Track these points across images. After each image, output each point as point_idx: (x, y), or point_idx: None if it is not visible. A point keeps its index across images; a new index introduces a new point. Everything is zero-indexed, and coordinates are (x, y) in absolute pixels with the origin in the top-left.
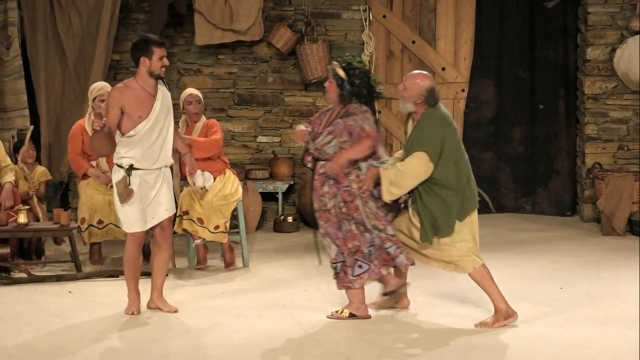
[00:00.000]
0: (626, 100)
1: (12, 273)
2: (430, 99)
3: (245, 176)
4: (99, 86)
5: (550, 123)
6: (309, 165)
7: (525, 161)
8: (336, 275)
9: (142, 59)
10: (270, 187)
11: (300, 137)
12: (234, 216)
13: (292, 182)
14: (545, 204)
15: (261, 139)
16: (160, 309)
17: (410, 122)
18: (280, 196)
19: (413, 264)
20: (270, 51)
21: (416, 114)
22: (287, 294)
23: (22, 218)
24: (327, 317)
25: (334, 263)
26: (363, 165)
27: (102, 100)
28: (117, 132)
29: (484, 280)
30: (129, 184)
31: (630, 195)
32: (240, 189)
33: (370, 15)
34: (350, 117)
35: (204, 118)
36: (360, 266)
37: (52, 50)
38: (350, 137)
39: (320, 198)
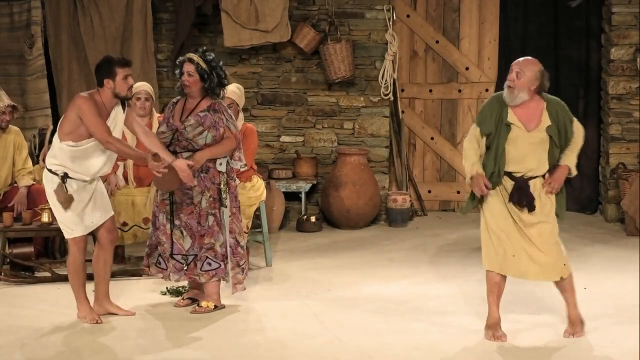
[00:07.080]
0: None
1: (35, 272)
2: (546, 81)
3: (268, 176)
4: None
5: None
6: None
7: None
8: (187, 266)
9: (105, 81)
10: (293, 186)
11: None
12: (257, 216)
13: (315, 182)
14: (568, 203)
15: (284, 138)
16: (114, 313)
17: (510, 114)
18: (303, 196)
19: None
20: (293, 51)
21: (525, 105)
22: (310, 293)
23: (45, 217)
24: (191, 312)
25: (187, 255)
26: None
27: (138, 99)
28: (59, 136)
29: (572, 285)
30: (66, 190)
31: None
32: (265, 191)
33: (394, 15)
34: (217, 114)
35: (241, 117)
36: (209, 263)
37: (76, 50)
38: (216, 134)
39: (186, 191)
